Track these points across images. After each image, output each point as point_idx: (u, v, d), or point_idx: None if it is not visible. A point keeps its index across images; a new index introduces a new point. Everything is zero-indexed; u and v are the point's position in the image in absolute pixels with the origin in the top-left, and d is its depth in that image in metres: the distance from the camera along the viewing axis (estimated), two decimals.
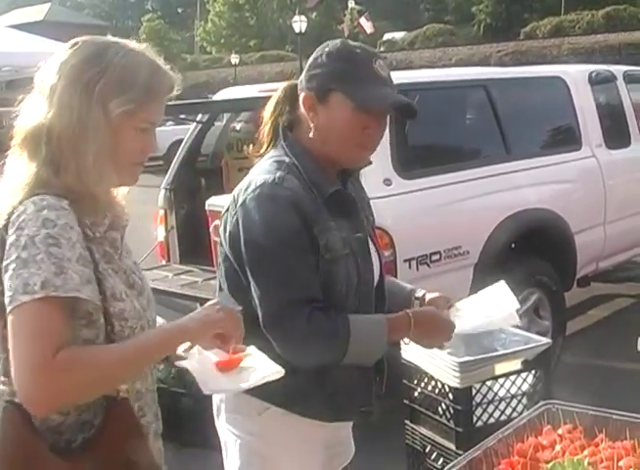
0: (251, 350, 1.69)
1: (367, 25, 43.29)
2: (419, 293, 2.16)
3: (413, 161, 4.24)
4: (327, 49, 1.92)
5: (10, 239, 1.44)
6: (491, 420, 2.69)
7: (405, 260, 3.91)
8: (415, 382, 2.90)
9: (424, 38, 40.39)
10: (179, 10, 71.22)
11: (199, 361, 1.62)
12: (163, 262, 5.29)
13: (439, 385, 2.77)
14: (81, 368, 1.41)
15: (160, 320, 1.76)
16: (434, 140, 4.63)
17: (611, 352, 4.93)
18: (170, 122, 18.82)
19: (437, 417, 2.81)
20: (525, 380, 2.74)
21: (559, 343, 4.66)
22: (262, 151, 2.02)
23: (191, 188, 5.41)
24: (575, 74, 5.46)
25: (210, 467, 2.57)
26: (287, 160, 1.92)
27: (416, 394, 2.91)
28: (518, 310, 2.16)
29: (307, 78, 1.92)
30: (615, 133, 5.54)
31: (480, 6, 45.45)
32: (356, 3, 48.16)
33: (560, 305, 4.89)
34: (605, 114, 5.50)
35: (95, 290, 1.47)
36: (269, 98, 2.05)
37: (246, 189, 1.91)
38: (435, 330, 1.99)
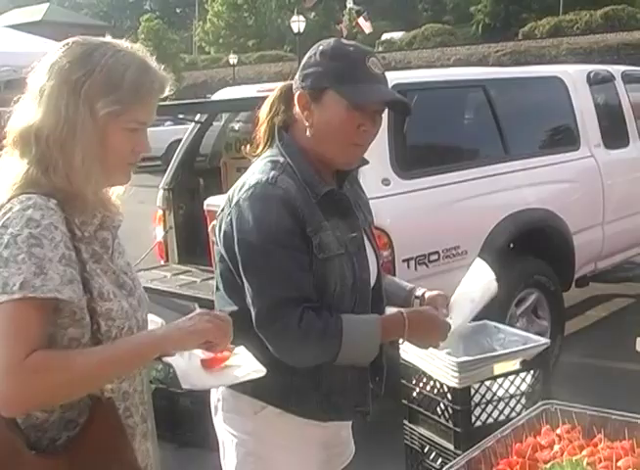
0: (239, 350, 1.72)
1: (365, 25, 43.29)
2: (418, 291, 2.16)
3: (411, 161, 4.24)
4: (321, 48, 1.93)
5: None
6: (490, 420, 2.69)
7: (404, 260, 3.91)
8: (414, 382, 2.90)
9: (422, 38, 40.36)
10: (177, 10, 71.25)
11: (185, 357, 1.65)
12: (162, 262, 5.30)
13: (438, 385, 2.77)
14: (53, 372, 1.41)
15: (158, 320, 1.76)
16: (433, 140, 4.63)
17: (609, 352, 4.94)
18: (169, 122, 18.84)
19: (436, 417, 2.81)
20: (523, 380, 2.74)
21: (557, 343, 4.66)
22: (259, 151, 2.02)
23: (189, 188, 5.42)
24: (574, 74, 5.46)
25: (209, 467, 2.57)
26: (281, 160, 1.93)
27: (414, 394, 2.91)
28: (496, 280, 2.14)
29: (302, 77, 1.93)
30: (613, 133, 5.54)
31: (478, 6, 45.44)
32: (355, 3, 48.14)
33: (558, 306, 4.89)
34: (603, 114, 5.50)
35: (77, 290, 1.47)
36: (267, 98, 2.05)
37: (240, 189, 1.92)
38: (430, 330, 1.99)
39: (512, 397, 2.72)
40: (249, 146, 2.06)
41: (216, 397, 2.07)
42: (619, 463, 1.45)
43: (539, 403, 1.68)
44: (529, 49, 32.50)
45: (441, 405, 2.78)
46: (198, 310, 1.64)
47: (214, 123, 5.79)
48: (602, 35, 32.09)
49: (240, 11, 51.42)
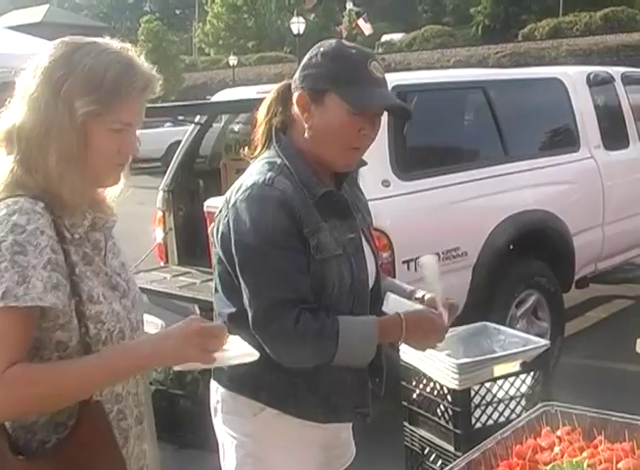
0: (233, 338, 1.68)
1: (365, 27, 43.27)
2: (418, 294, 2.15)
3: (411, 162, 4.24)
4: (322, 49, 1.92)
5: None
6: (490, 422, 2.69)
7: (403, 262, 3.91)
8: (413, 384, 2.90)
9: (422, 40, 40.36)
10: (177, 11, 71.24)
11: None
12: (162, 264, 5.29)
13: (438, 386, 2.77)
14: (31, 385, 1.41)
15: (157, 322, 1.76)
16: (433, 142, 4.63)
17: (609, 353, 4.93)
18: (169, 124, 18.87)
19: (436, 419, 2.81)
20: (523, 381, 2.74)
21: (557, 344, 4.66)
22: (257, 153, 2.02)
23: (189, 189, 5.41)
24: (574, 76, 5.46)
25: (208, 468, 2.57)
26: (278, 161, 1.92)
27: (415, 395, 2.91)
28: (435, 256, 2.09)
29: (302, 78, 1.92)
30: (613, 134, 5.55)
31: (478, 7, 45.46)
32: (354, 4, 48.14)
33: (558, 307, 4.89)
34: (603, 115, 5.50)
35: (62, 295, 1.46)
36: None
37: (237, 190, 1.92)
38: (428, 331, 1.98)
39: (512, 398, 2.72)
40: (247, 148, 2.06)
41: (216, 398, 2.07)
42: (620, 465, 1.45)
43: (539, 405, 1.68)
44: (529, 50, 32.50)
45: (441, 407, 2.78)
46: (192, 317, 1.59)
47: (214, 125, 5.78)
48: (601, 37, 32.10)
49: (239, 12, 51.43)
